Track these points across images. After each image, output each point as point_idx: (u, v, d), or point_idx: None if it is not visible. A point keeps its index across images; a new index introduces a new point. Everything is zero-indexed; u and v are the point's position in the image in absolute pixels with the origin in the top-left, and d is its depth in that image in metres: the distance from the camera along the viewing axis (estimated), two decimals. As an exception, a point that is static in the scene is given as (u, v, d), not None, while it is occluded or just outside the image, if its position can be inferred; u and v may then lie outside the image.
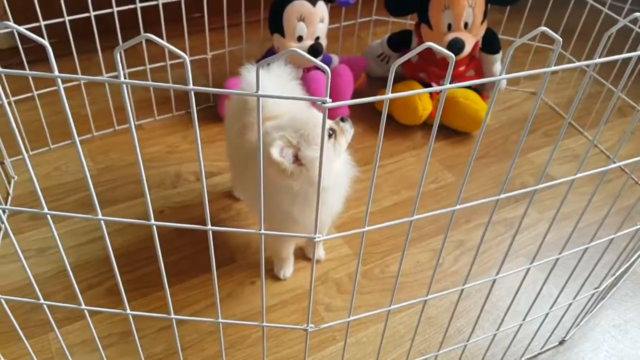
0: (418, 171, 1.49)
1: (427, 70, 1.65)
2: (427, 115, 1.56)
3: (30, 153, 1.45)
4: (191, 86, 0.48)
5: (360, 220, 1.35)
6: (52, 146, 1.48)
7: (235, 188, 1.39)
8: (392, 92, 1.73)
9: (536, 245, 1.31)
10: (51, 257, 1.22)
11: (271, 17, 1.49)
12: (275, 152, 0.88)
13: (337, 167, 1.01)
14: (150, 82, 0.51)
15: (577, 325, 1.14)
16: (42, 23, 1.31)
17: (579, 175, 0.71)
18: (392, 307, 0.76)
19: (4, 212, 0.87)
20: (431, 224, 1.35)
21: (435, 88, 0.63)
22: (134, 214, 1.32)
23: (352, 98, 1.61)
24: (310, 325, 0.72)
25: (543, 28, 0.55)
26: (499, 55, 1.66)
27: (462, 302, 1.18)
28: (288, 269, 1.21)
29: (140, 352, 0.79)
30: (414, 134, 1.61)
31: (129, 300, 0.71)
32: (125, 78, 1.44)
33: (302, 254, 1.26)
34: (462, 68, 1.64)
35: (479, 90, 1.63)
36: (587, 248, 0.86)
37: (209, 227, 0.59)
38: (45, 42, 0.46)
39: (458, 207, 0.68)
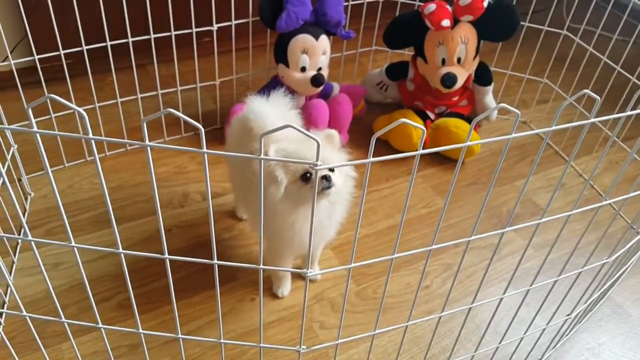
0: (413, 196, 1.58)
1: (423, 99, 1.74)
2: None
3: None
4: (204, 150, 0.57)
5: (357, 240, 1.43)
6: (66, 164, 1.57)
7: (238, 208, 1.48)
8: (387, 120, 1.82)
9: (519, 270, 1.40)
10: (65, 271, 1.31)
11: (277, 48, 1.59)
12: (273, 148, 0.98)
13: (307, 206, 1.05)
14: (169, 146, 0.60)
15: (554, 347, 1.23)
16: (62, 52, 1.41)
17: (513, 226, 0.79)
18: (377, 331, 0.84)
19: (22, 241, 0.95)
20: (421, 247, 1.43)
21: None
22: (143, 232, 1.41)
23: (351, 124, 1.71)
24: (302, 347, 0.81)
25: (502, 105, 0.64)
26: (490, 87, 1.76)
27: (448, 323, 1.26)
28: (286, 288, 1.30)
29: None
30: (409, 159, 1.70)
31: (138, 313, 0.79)
32: (139, 100, 1.54)
33: (300, 274, 1.35)
34: (455, 98, 1.74)
35: (470, 120, 1.72)
36: (556, 280, 0.94)
37: (215, 261, 0.68)
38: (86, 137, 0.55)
39: (434, 246, 0.76)
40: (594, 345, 1.26)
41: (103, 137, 0.56)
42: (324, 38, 1.57)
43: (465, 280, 1.38)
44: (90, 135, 0.56)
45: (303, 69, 1.58)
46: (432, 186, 1.62)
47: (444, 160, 1.70)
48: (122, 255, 0.69)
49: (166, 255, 0.67)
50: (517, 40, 1.74)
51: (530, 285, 0.93)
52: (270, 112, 1.16)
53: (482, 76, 1.73)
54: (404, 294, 1.33)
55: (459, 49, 1.60)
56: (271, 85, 1.65)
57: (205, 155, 0.57)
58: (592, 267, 0.95)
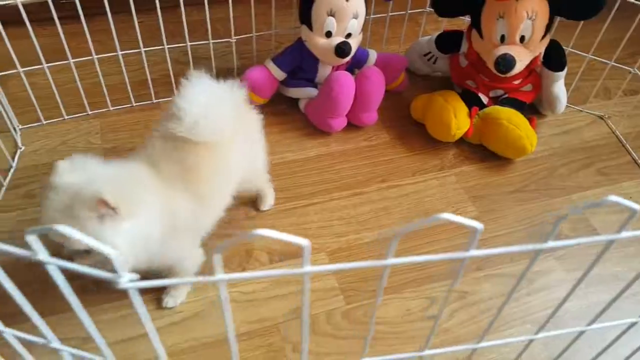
0: (439, 199, 1.33)
1: (476, 79, 1.45)
2: (461, 134, 1.38)
3: (44, 122, 1.43)
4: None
5: (359, 247, 1.23)
6: (66, 117, 1.45)
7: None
8: (425, 101, 1.54)
9: (550, 310, 1.15)
10: None
11: (302, 6, 1.35)
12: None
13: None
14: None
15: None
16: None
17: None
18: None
19: None
20: (437, 265, 1.20)
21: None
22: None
23: (388, 100, 1.46)
24: None
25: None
26: (562, 73, 1.43)
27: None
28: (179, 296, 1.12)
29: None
30: (445, 151, 1.43)
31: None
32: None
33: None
34: (517, 82, 1.43)
35: (526, 112, 1.41)
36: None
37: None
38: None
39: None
40: None
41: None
42: (356, -2, 1.31)
43: (482, 314, 1.15)
44: None
45: (328, 34, 1.34)
46: (466, 188, 1.36)
47: (488, 157, 1.42)
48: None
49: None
50: (607, 16, 1.39)
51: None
52: (203, 100, 0.95)
53: (553, 58, 1.41)
54: (402, 323, 1.12)
55: (523, 25, 1.28)
56: (294, 49, 1.43)
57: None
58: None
